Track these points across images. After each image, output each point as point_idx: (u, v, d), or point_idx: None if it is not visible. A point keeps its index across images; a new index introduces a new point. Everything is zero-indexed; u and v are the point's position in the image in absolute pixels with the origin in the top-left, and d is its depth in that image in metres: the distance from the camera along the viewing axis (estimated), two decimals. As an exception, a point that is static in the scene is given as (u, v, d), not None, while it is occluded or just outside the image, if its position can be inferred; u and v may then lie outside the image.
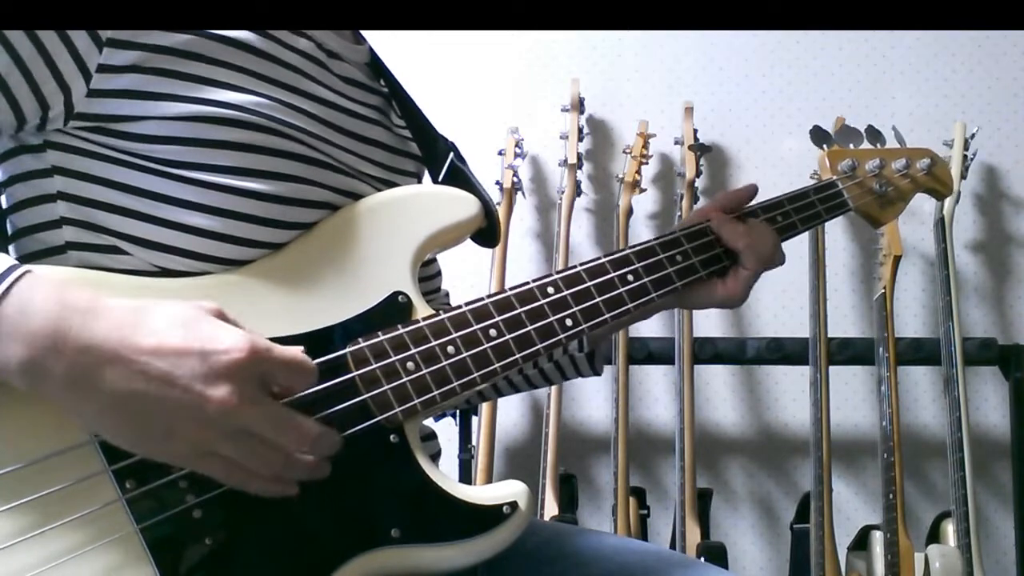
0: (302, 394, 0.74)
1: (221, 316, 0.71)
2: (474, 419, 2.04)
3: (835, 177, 1.11)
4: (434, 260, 1.03)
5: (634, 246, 0.96)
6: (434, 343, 0.82)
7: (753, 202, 1.06)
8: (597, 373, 1.11)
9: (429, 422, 1.01)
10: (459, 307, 0.84)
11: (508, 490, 0.80)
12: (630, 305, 0.92)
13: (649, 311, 1.05)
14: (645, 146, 2.16)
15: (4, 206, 0.84)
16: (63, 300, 0.67)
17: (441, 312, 0.84)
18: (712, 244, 1.00)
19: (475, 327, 0.84)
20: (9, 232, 0.84)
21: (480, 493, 0.80)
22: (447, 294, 1.08)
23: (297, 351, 0.72)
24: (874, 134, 1.14)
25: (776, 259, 1.02)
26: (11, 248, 0.84)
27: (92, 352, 0.66)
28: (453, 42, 2.27)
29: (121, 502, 0.70)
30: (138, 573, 0.70)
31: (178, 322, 0.68)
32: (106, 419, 0.68)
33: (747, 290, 1.01)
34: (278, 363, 0.70)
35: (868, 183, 1.12)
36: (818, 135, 1.17)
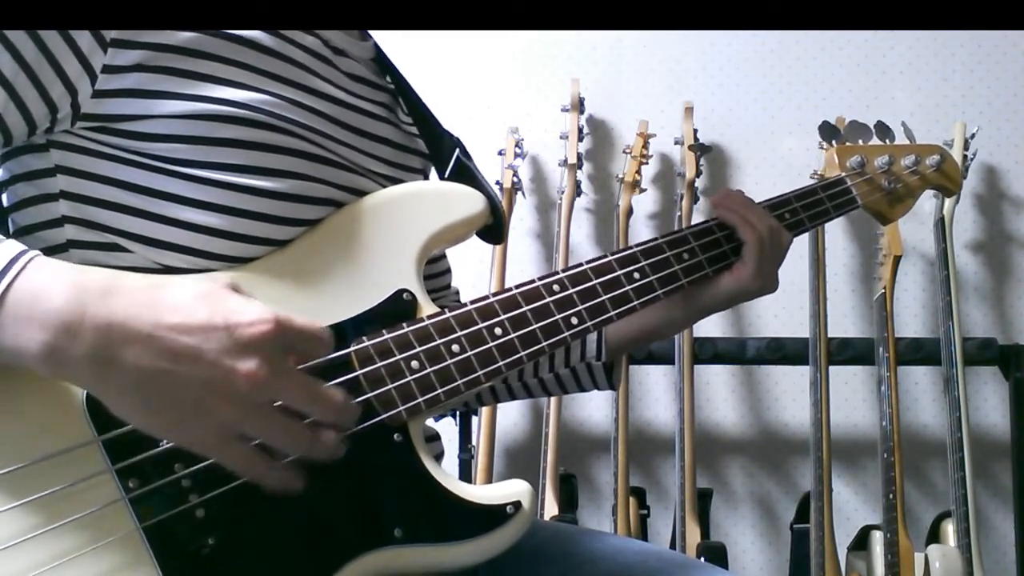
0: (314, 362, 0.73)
1: (237, 288, 0.70)
2: (474, 419, 2.04)
3: (844, 174, 1.11)
4: (442, 257, 1.03)
5: (641, 244, 0.95)
6: (439, 341, 0.81)
7: (757, 201, 1.05)
8: (613, 387, 1.10)
9: (431, 423, 1.01)
10: (464, 305, 0.84)
11: (511, 489, 0.80)
12: (636, 302, 0.92)
13: (665, 329, 1.04)
14: (645, 146, 2.16)
15: (5, 204, 0.84)
16: (78, 280, 0.67)
17: (446, 310, 0.83)
18: (719, 242, 1.00)
19: (480, 325, 0.83)
20: (11, 230, 0.83)
21: (483, 492, 0.80)
22: (456, 291, 1.08)
23: (312, 321, 0.71)
24: (883, 130, 1.13)
25: (778, 236, 0.99)
26: (12, 245, 0.83)
27: (113, 330, 0.65)
28: (454, 42, 2.27)
29: (124, 501, 0.70)
30: (141, 573, 0.69)
31: (200, 296, 0.67)
32: (131, 401, 0.66)
33: (760, 270, 0.98)
34: (300, 331, 0.70)
35: (877, 180, 1.12)
36: (827, 131, 1.17)
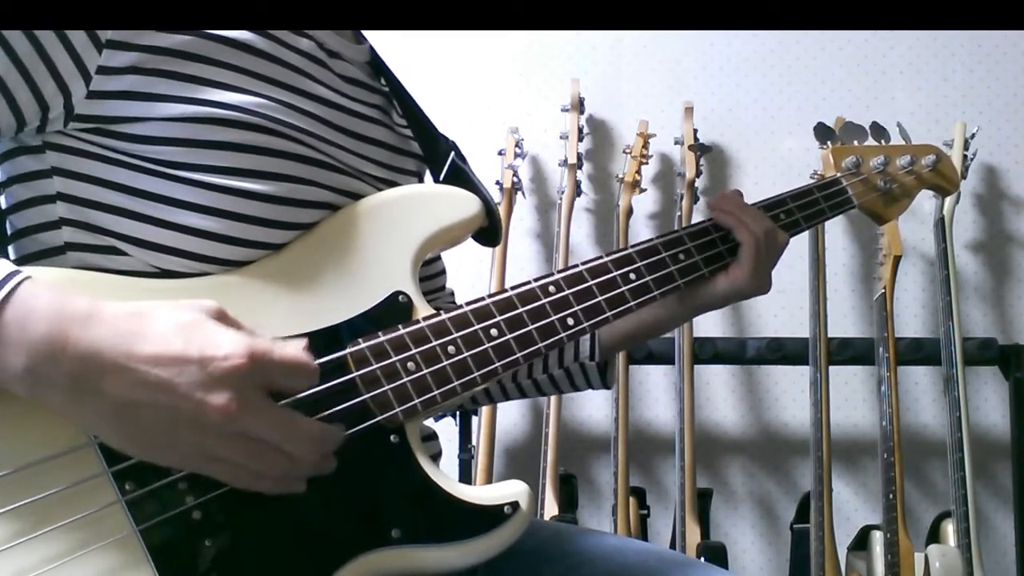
0: (302, 395, 0.73)
1: (222, 316, 0.70)
2: (474, 419, 2.04)
3: (839, 174, 1.11)
4: (438, 259, 1.03)
5: (636, 245, 0.96)
6: (435, 343, 0.81)
7: (754, 201, 1.05)
8: (607, 386, 1.10)
9: (429, 422, 1.01)
10: (460, 307, 0.84)
11: (509, 490, 0.80)
12: (632, 303, 0.92)
13: (661, 326, 1.04)
14: (645, 146, 2.16)
15: (3, 207, 0.84)
16: (62, 308, 0.67)
17: (442, 312, 0.83)
18: (715, 243, 1.00)
19: (476, 327, 0.83)
20: (8, 232, 0.84)
21: (481, 493, 0.80)
22: (452, 293, 1.08)
23: (298, 350, 0.71)
24: (878, 131, 1.14)
25: (773, 236, 1.00)
26: (10, 248, 0.84)
27: (91, 361, 0.66)
28: (453, 42, 2.27)
29: (121, 504, 0.70)
30: (138, 574, 0.69)
31: (178, 327, 0.68)
32: (108, 426, 0.68)
33: (757, 272, 0.99)
34: (278, 366, 0.70)
35: (872, 180, 1.12)
36: (822, 132, 1.17)
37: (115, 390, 0.66)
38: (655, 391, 2.23)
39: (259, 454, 0.69)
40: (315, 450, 0.71)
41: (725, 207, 1.01)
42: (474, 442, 2.03)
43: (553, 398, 2.04)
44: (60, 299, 0.68)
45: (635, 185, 2.14)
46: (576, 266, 0.91)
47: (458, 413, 2.01)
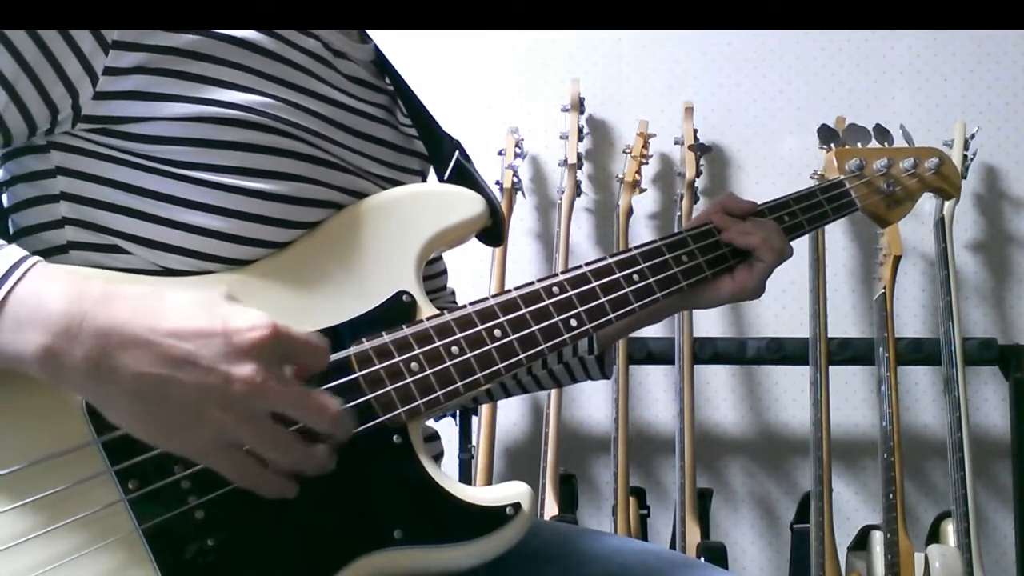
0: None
1: (232, 299, 0.71)
2: (474, 419, 2.04)
3: (842, 176, 1.11)
4: (439, 259, 1.03)
5: (640, 246, 0.96)
6: (438, 343, 0.81)
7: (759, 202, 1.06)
8: (606, 376, 1.10)
9: (430, 422, 1.01)
10: (464, 307, 0.84)
11: (511, 491, 0.80)
12: (635, 305, 0.92)
13: (657, 314, 1.05)
14: (645, 146, 2.16)
15: (6, 205, 0.84)
16: (78, 286, 0.67)
17: (445, 312, 0.83)
18: (719, 244, 1.01)
19: (480, 327, 0.83)
20: (11, 231, 0.83)
21: (483, 494, 0.80)
22: (453, 292, 1.08)
23: (309, 331, 0.72)
24: (882, 133, 1.14)
25: (787, 251, 1.03)
26: (12, 247, 0.83)
27: (112, 335, 0.65)
28: (453, 42, 2.27)
29: (123, 503, 0.70)
30: (140, 574, 0.70)
31: (197, 303, 0.68)
32: (128, 406, 0.67)
33: (761, 283, 1.01)
34: (298, 342, 0.70)
35: (876, 183, 1.12)
36: (825, 134, 1.17)
37: (137, 366, 0.65)
38: (655, 391, 2.23)
39: (275, 438, 0.69)
40: (333, 428, 0.71)
41: (745, 228, 1.01)
42: (474, 442, 2.03)
43: (553, 398, 2.04)
44: (75, 280, 0.68)
45: (635, 185, 2.14)
46: (580, 267, 0.91)
47: (458, 413, 2.01)
